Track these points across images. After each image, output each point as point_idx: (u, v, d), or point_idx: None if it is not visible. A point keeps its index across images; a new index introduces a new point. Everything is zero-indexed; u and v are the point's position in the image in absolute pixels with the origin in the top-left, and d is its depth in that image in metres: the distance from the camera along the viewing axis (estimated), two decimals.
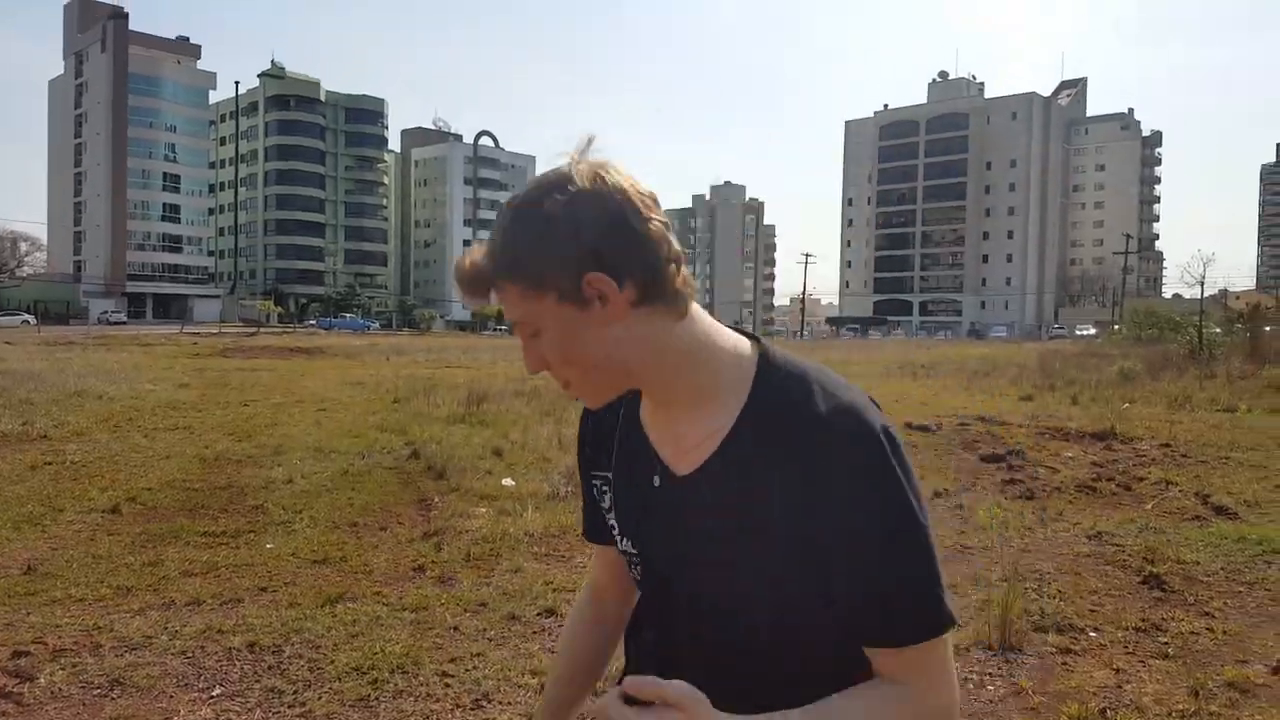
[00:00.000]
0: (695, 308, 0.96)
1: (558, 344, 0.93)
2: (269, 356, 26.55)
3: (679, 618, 1.03)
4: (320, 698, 3.54)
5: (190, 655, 3.93)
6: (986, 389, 17.42)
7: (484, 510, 6.73)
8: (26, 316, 64.17)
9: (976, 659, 3.98)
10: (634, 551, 1.06)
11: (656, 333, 0.93)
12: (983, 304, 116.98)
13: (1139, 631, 4.34)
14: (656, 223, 0.91)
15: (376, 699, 3.54)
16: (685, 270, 0.94)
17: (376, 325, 78.23)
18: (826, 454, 0.91)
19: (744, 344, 1.00)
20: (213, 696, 3.54)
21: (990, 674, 3.82)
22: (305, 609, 4.54)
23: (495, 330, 74.21)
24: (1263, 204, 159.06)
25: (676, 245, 0.92)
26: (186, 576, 5.07)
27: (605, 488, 1.10)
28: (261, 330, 54.70)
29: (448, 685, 3.67)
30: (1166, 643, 4.20)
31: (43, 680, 3.60)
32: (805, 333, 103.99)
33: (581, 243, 0.88)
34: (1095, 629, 4.36)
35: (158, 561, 5.34)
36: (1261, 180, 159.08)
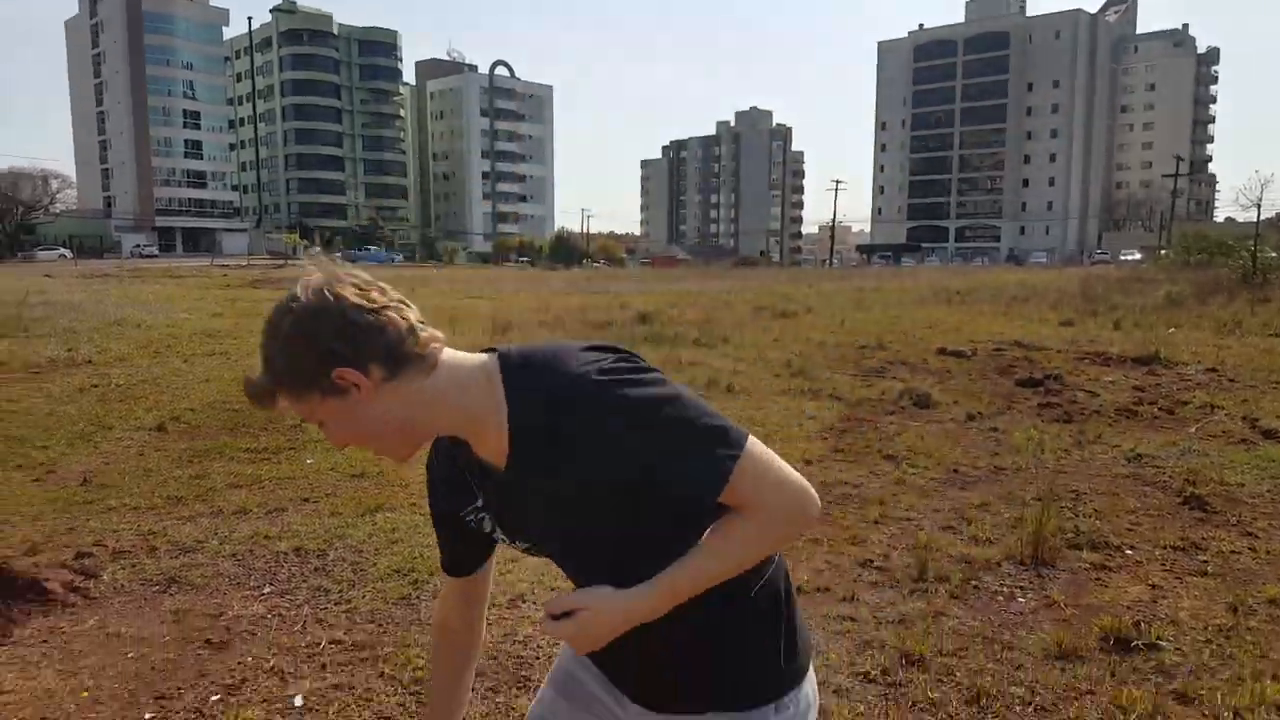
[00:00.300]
0: (443, 353, 1.13)
1: (341, 427, 1.13)
2: None
3: (573, 567, 1.27)
4: (364, 596, 3.66)
5: (240, 558, 4.07)
6: (1024, 315, 17.09)
7: None
8: (63, 251, 65.05)
9: (1007, 573, 3.97)
10: (528, 545, 1.27)
11: (415, 393, 1.10)
12: (1022, 229, 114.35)
13: (1177, 550, 4.27)
14: (386, 311, 1.08)
15: (417, 597, 3.67)
16: (425, 331, 1.11)
17: (400, 258, 78.40)
18: (571, 417, 1.07)
19: (487, 359, 1.15)
20: (264, 594, 3.68)
21: (1021, 587, 3.82)
22: (346, 518, 4.67)
23: (518, 262, 74.21)
24: None
25: (412, 317, 1.10)
26: (232, 488, 5.23)
27: (482, 514, 1.26)
28: (289, 262, 55.10)
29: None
30: (1206, 561, 4.13)
31: (106, 577, 3.77)
32: (835, 261, 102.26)
33: (319, 350, 1.06)
34: (1131, 547, 4.31)
35: (204, 475, 5.50)
36: None
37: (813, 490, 1.14)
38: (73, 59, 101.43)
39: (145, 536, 4.32)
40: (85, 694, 2.81)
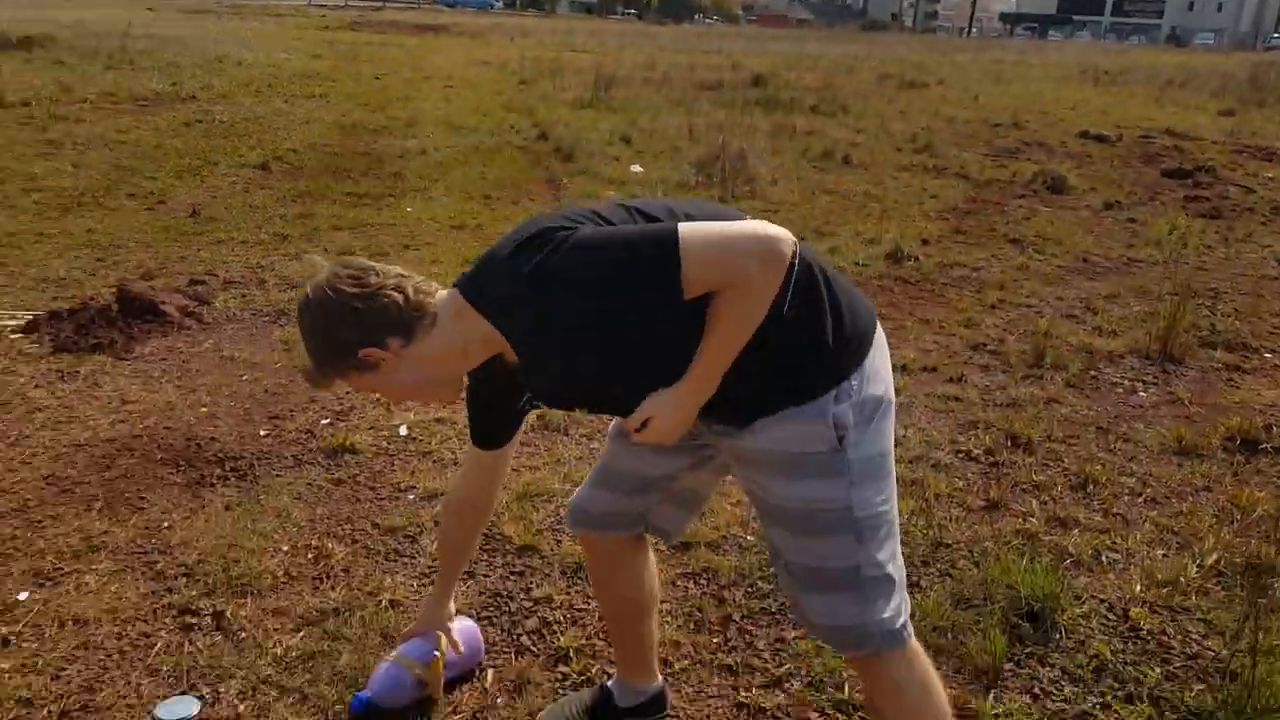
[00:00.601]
0: (435, 298, 1.26)
1: (391, 392, 1.32)
2: (396, 32, 26.04)
3: (616, 408, 1.37)
4: None
5: None
6: (1181, 101, 15.54)
7: (613, 194, 6.62)
8: None
9: (1130, 366, 3.76)
10: (572, 408, 1.55)
11: (431, 346, 1.24)
12: (1191, 5, 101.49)
13: None
14: (383, 291, 1.21)
15: None
16: (421, 295, 1.24)
17: (499, 4, 75.10)
18: (539, 295, 1.15)
19: (453, 296, 1.25)
20: None
21: (1144, 381, 3.62)
22: (446, 267, 4.66)
23: (624, 14, 70.21)
24: None
25: (412, 291, 1.23)
26: (335, 230, 5.25)
27: (530, 400, 1.42)
28: (387, 4, 53.40)
29: None
30: None
31: (218, 305, 3.89)
32: (974, 30, 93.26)
33: (337, 338, 1.22)
34: (1271, 350, 4.03)
35: (308, 214, 5.54)
36: None
37: (772, 227, 1.15)
38: None
39: (254, 270, 4.40)
40: (204, 409, 2.94)
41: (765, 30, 57.57)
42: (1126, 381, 3.61)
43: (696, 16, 75.45)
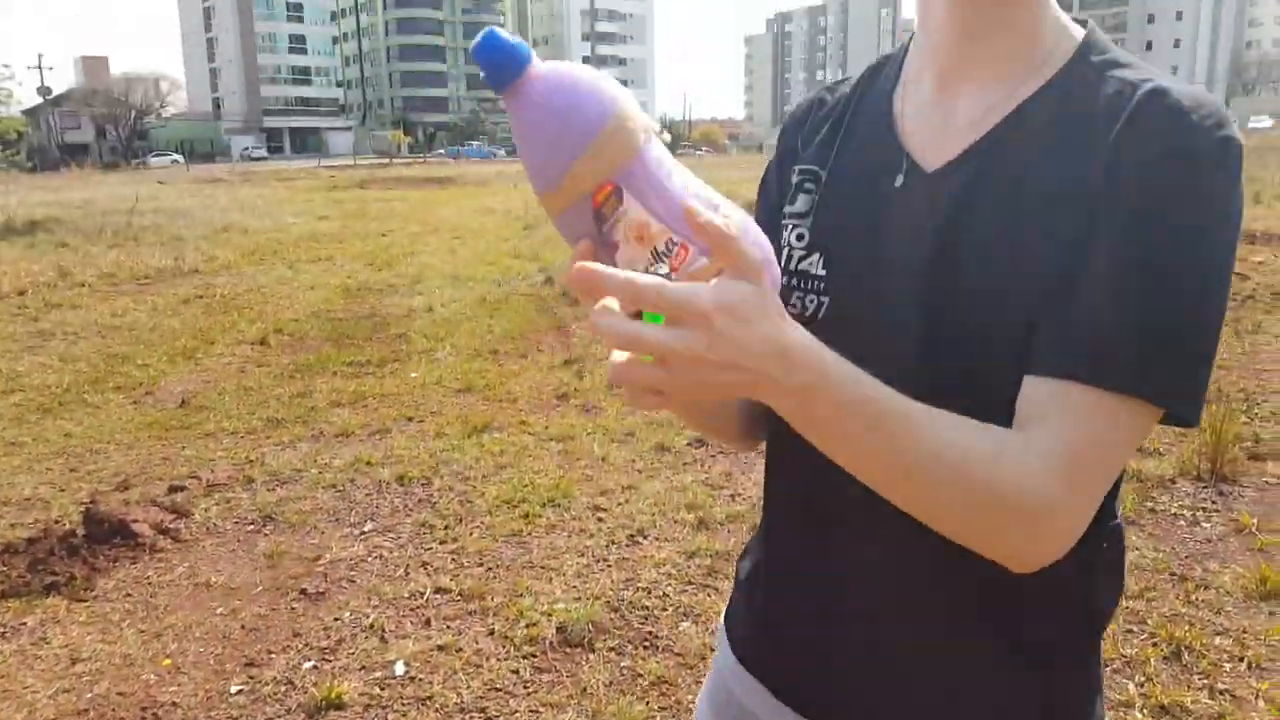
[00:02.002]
0: None
1: None
2: (403, 187, 26.87)
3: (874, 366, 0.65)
4: (472, 533, 3.35)
5: (341, 489, 3.81)
6: None
7: None
8: (175, 156, 67.30)
9: (1185, 491, 3.53)
10: (820, 274, 0.80)
11: None
12: None
13: None
14: None
15: (529, 534, 3.34)
16: None
17: (502, 152, 78.17)
18: (1154, 131, 0.66)
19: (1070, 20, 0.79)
20: (364, 532, 3.40)
21: (1204, 509, 3.39)
22: (452, 439, 4.38)
23: None
24: None
25: None
26: (335, 407, 4.99)
27: (809, 184, 0.85)
28: (393, 161, 55.63)
29: (600, 520, 3.44)
30: None
31: (198, 515, 3.55)
32: None
33: None
34: None
35: (306, 392, 5.29)
36: None
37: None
38: None
39: (242, 466, 4.10)
40: (167, 661, 2.56)
41: (753, 157, 59.38)
42: (1187, 512, 3.35)
43: (686, 148, 78.22)
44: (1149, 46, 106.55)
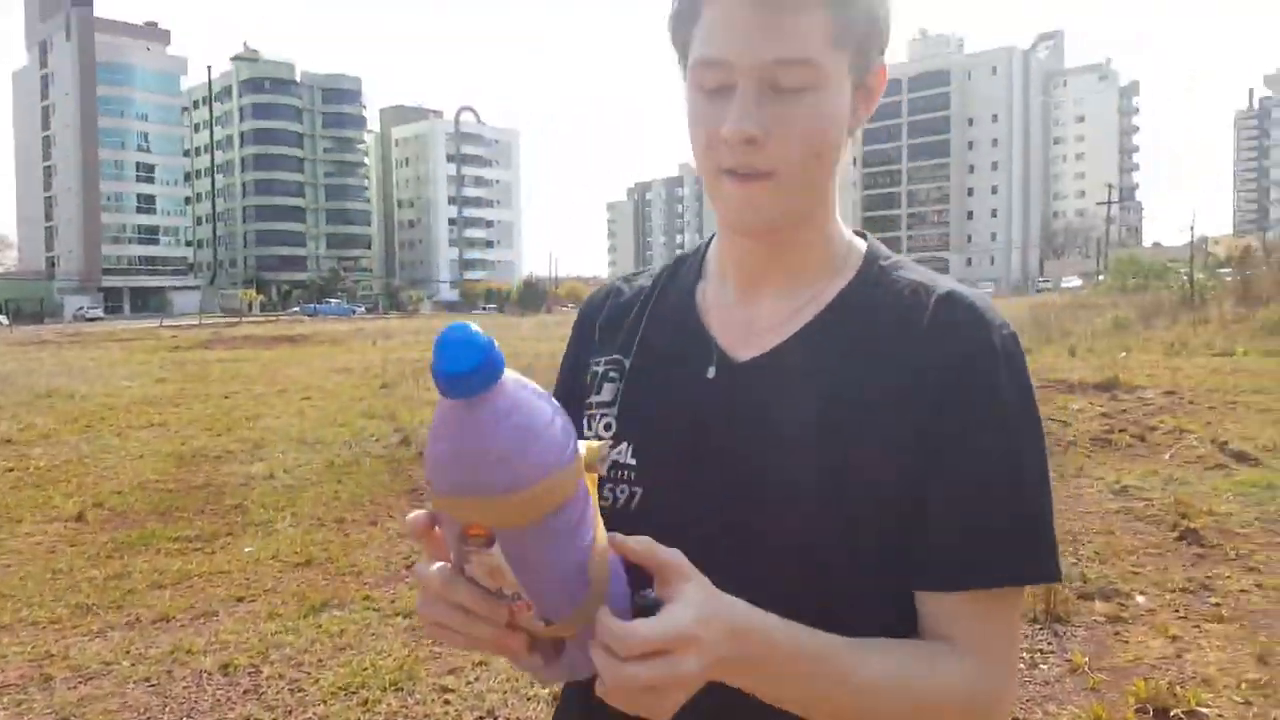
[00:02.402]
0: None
1: (824, 114, 0.76)
2: (251, 346, 26.01)
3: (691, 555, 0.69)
4: None
5: (155, 683, 3.53)
6: None
7: None
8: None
9: (1023, 634, 3.72)
10: (630, 463, 0.81)
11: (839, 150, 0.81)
12: (969, 261, 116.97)
13: (1187, 593, 4.11)
14: None
15: None
16: None
17: (362, 309, 77.54)
18: (955, 332, 0.77)
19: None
20: None
21: (1041, 650, 3.59)
22: (287, 620, 4.16)
23: (484, 309, 73.62)
24: (1237, 150, 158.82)
25: None
26: (155, 589, 4.66)
27: (613, 373, 0.87)
28: (244, 320, 53.98)
29: (447, 702, 3.32)
30: (1218, 604, 3.97)
31: None
32: None
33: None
34: (1141, 593, 4.13)
35: (123, 574, 4.92)
36: (1235, 127, 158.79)
37: None
38: (19, 112, 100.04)
39: (40, 662, 3.73)
40: None
41: None
42: (1026, 655, 3.53)
43: (550, 306, 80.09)
44: (970, 215, 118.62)
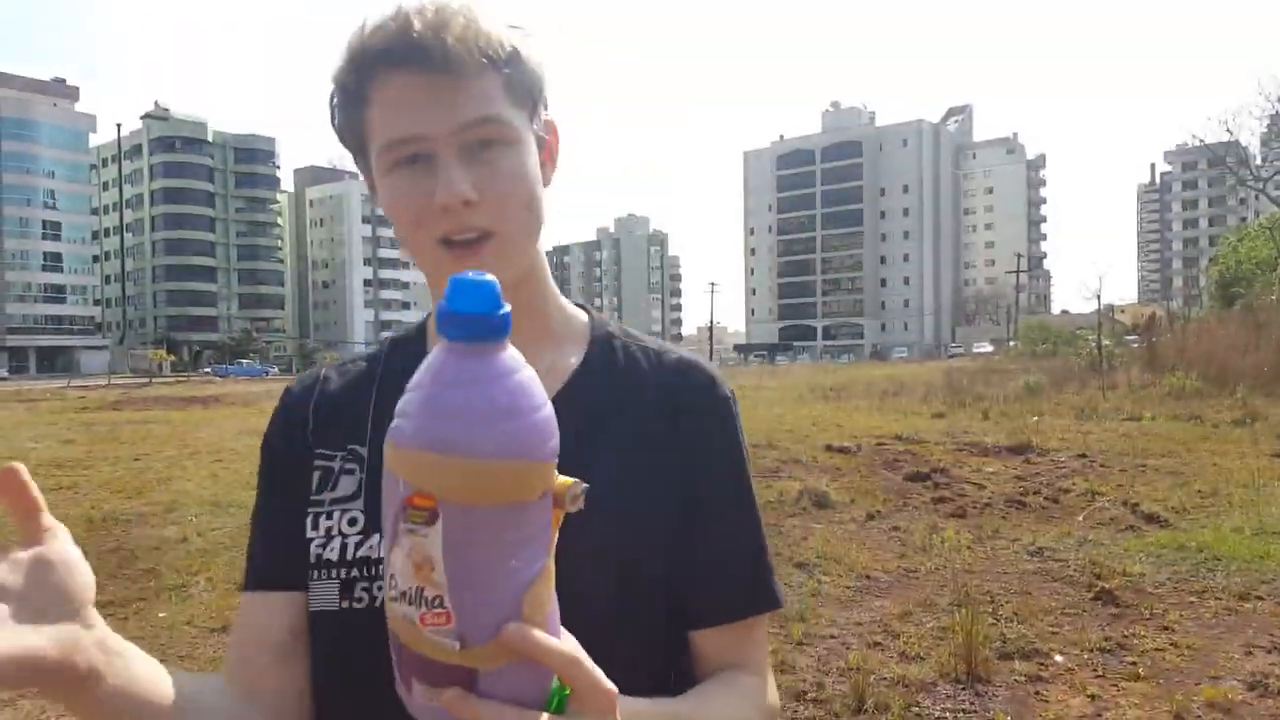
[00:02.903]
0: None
1: (525, 167, 0.79)
2: (162, 407, 25.08)
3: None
4: None
5: None
6: (899, 408, 17.51)
7: None
8: None
9: (945, 694, 3.76)
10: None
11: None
12: (883, 326, 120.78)
13: (1104, 652, 4.21)
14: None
15: None
16: None
17: (275, 370, 75.51)
18: (692, 395, 0.86)
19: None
20: None
21: (964, 711, 3.60)
22: None
23: None
24: (1141, 222, 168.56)
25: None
26: None
27: (350, 465, 0.83)
28: (154, 380, 52.08)
29: None
30: (1134, 662, 4.08)
31: None
32: (715, 361, 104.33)
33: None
34: (1060, 652, 4.21)
35: None
36: (1139, 200, 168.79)
37: None
38: None
39: None
40: None
41: None
42: (949, 715, 3.57)
43: None
44: (883, 283, 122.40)
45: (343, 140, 0.80)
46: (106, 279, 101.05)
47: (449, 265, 0.74)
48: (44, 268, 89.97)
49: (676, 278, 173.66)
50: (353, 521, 0.80)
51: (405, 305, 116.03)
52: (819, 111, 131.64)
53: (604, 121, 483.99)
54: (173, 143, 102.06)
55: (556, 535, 0.56)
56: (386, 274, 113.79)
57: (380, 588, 0.75)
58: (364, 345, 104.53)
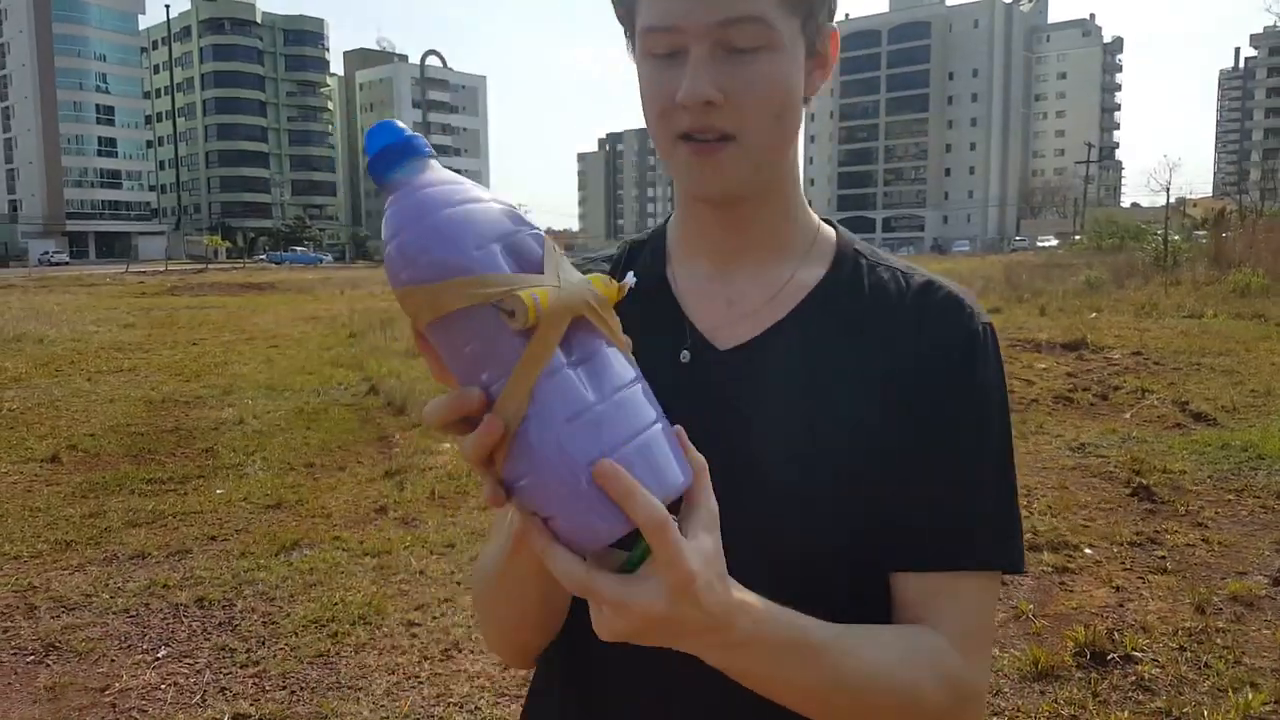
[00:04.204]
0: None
1: (780, 76, 0.73)
2: (218, 293, 25.74)
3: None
4: (275, 655, 3.29)
5: (134, 614, 3.64)
6: None
7: (448, 446, 6.44)
8: None
9: None
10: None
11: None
12: (945, 218, 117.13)
13: (1134, 546, 4.23)
14: None
15: (337, 654, 3.30)
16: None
17: (329, 258, 76.49)
18: (940, 322, 0.77)
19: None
20: (158, 659, 3.27)
21: None
22: (258, 558, 4.27)
23: None
24: (1221, 110, 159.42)
25: None
26: (130, 527, 4.75)
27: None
28: (210, 267, 53.25)
29: (414, 636, 3.45)
30: (1163, 556, 4.10)
31: None
32: None
33: None
34: (1090, 545, 4.25)
35: (99, 512, 5.00)
36: (1220, 87, 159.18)
37: None
38: None
39: (24, 593, 3.84)
40: None
41: None
42: None
43: None
44: (947, 173, 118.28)
45: (616, 12, 0.78)
46: (160, 164, 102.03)
47: (685, 160, 0.73)
48: (99, 153, 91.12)
49: None
50: None
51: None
52: None
53: None
54: (222, 24, 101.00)
55: (546, 348, 0.52)
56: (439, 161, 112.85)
57: None
58: None
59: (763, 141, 0.74)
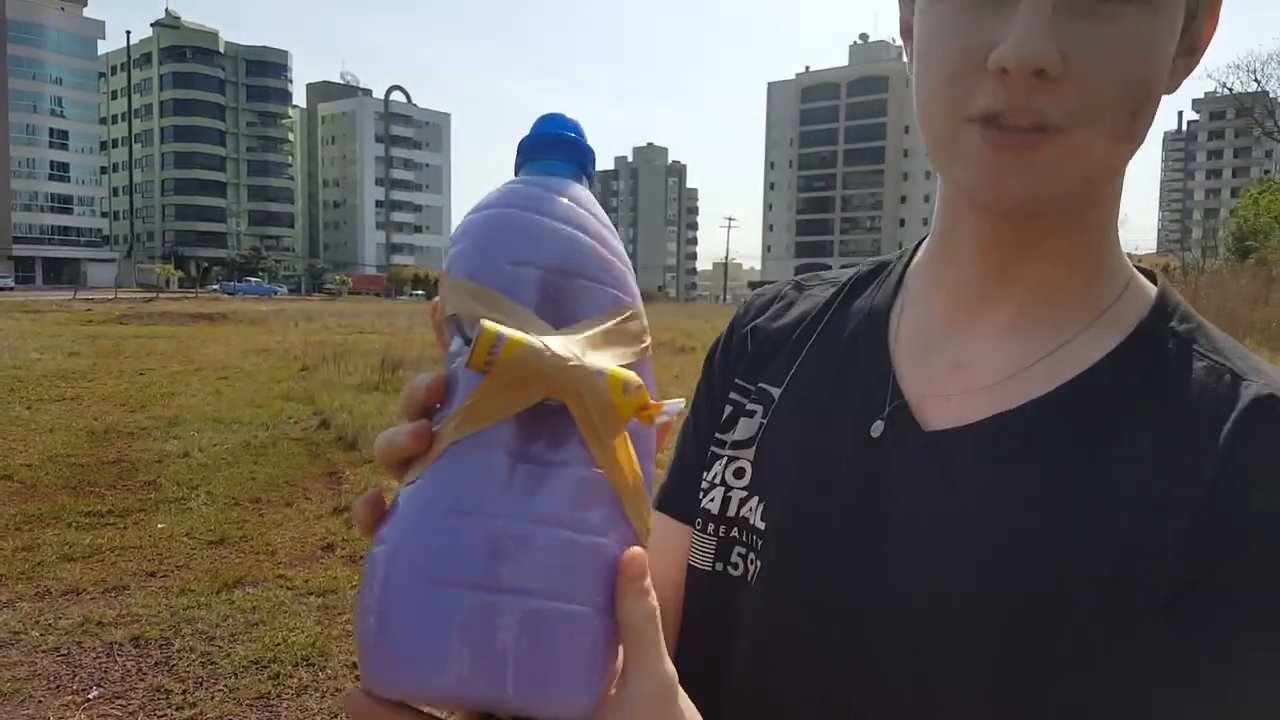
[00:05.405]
0: None
1: (1153, 47, 0.49)
2: (168, 323, 25.23)
3: (810, 675, 0.56)
4: (213, 697, 3.20)
5: (65, 652, 3.53)
6: None
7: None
8: None
9: None
10: (759, 527, 0.60)
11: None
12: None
13: None
14: None
15: (277, 696, 3.23)
16: None
17: (284, 290, 75.56)
18: (1264, 452, 0.49)
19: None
20: (89, 700, 3.17)
21: None
22: (199, 595, 4.17)
23: (411, 295, 72.59)
24: (1165, 171, 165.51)
25: None
26: (65, 562, 4.61)
27: (755, 406, 0.65)
28: (161, 295, 52.25)
29: (359, 679, 3.35)
30: None
31: None
32: (728, 297, 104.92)
33: None
34: None
35: (33, 546, 4.85)
36: (1164, 148, 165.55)
37: None
38: None
39: None
40: None
41: None
42: None
43: None
44: (902, 223, 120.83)
45: None
46: (114, 191, 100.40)
47: (977, 154, 0.51)
48: (51, 177, 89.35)
49: (694, 210, 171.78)
50: (739, 473, 0.63)
51: (417, 229, 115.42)
52: (846, 44, 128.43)
53: (624, 48, 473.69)
54: (183, 52, 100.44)
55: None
56: (398, 195, 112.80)
57: (755, 560, 0.59)
58: (373, 268, 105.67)
59: (1105, 144, 0.51)
